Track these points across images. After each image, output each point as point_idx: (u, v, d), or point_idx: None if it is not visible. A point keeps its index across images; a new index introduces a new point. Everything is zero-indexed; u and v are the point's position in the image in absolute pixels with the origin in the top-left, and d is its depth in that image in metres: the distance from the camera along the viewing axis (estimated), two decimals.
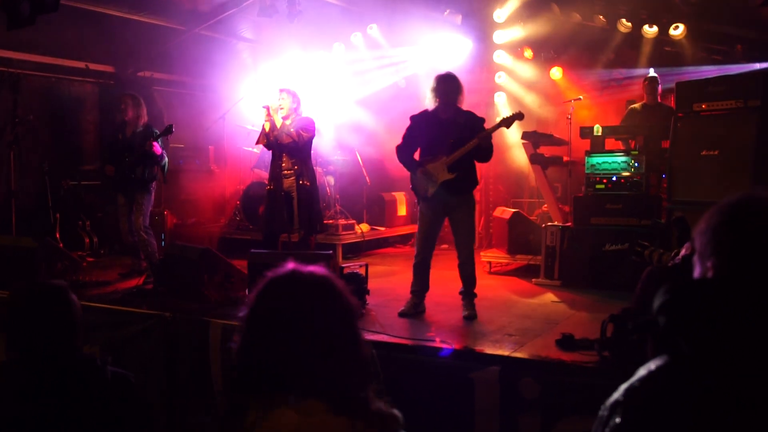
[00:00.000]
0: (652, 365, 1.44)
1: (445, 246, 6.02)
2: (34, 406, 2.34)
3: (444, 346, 4.53)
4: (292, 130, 6.79)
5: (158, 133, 7.46)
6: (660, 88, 8.55)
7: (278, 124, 6.84)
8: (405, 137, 5.91)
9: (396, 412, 1.68)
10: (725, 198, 1.49)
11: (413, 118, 5.93)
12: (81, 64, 10.62)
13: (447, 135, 5.66)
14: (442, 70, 5.84)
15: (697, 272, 1.49)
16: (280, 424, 1.55)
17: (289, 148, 6.85)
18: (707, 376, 1.33)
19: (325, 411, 1.57)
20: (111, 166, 7.64)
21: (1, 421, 2.33)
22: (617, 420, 1.40)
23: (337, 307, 1.69)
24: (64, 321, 2.52)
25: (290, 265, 1.72)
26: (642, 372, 1.45)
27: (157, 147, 7.40)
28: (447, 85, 5.69)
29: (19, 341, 2.48)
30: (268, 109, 6.89)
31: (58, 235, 8.87)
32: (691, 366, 1.36)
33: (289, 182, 6.93)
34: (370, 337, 4.68)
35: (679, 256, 3.93)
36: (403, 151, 5.90)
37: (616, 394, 1.45)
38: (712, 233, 1.46)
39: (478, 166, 5.91)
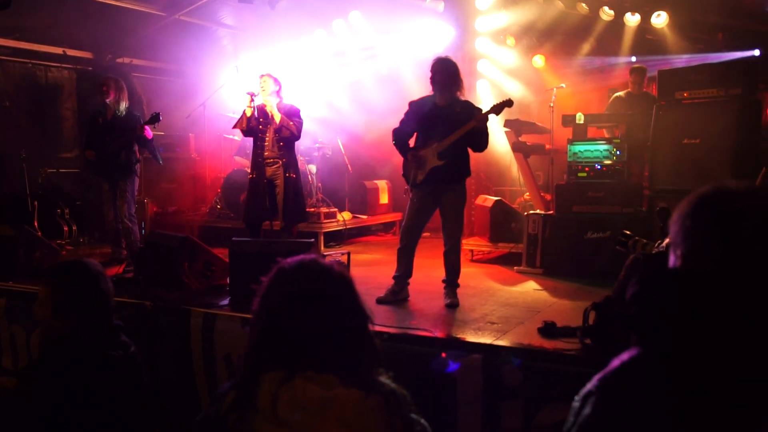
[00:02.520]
0: (625, 356, 1.44)
1: (426, 234, 5.99)
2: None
3: (428, 334, 4.52)
4: (291, 123, 6.79)
5: (145, 120, 7.34)
6: (647, 78, 8.56)
7: (277, 118, 6.81)
8: (402, 121, 5.85)
9: (406, 392, 1.82)
10: (699, 188, 1.50)
11: (412, 103, 5.86)
12: (58, 50, 10.48)
13: (441, 122, 5.59)
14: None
15: (670, 261, 1.50)
16: (305, 395, 1.67)
17: (285, 139, 6.85)
18: (678, 367, 1.33)
19: (340, 384, 1.70)
20: (91, 151, 7.53)
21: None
22: (587, 410, 1.40)
23: (346, 293, 1.85)
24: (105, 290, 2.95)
25: (300, 256, 1.89)
26: (615, 363, 1.45)
27: (149, 131, 7.32)
28: (441, 70, 5.61)
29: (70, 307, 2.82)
30: (252, 95, 6.84)
31: (36, 224, 8.77)
32: (662, 357, 1.36)
33: (271, 170, 6.90)
34: None
35: (663, 244, 3.94)
36: (398, 134, 5.85)
37: (589, 385, 1.45)
38: (682, 222, 1.48)
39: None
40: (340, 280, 1.85)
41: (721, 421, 1.27)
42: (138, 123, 7.38)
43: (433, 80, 5.65)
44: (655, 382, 1.34)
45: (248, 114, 6.84)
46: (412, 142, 5.85)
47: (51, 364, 2.75)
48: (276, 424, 1.65)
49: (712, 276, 1.37)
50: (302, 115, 7.10)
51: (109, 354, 2.75)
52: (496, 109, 5.61)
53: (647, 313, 1.39)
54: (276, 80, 6.95)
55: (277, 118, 6.81)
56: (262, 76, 6.97)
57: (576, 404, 1.45)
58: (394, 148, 5.91)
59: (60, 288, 2.82)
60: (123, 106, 7.53)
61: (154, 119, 7.23)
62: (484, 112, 5.57)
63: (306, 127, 9.74)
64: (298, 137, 6.90)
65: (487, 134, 5.63)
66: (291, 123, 6.80)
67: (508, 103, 5.65)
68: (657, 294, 1.39)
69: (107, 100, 7.52)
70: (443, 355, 4.27)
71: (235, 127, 7.10)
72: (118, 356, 2.78)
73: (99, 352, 2.73)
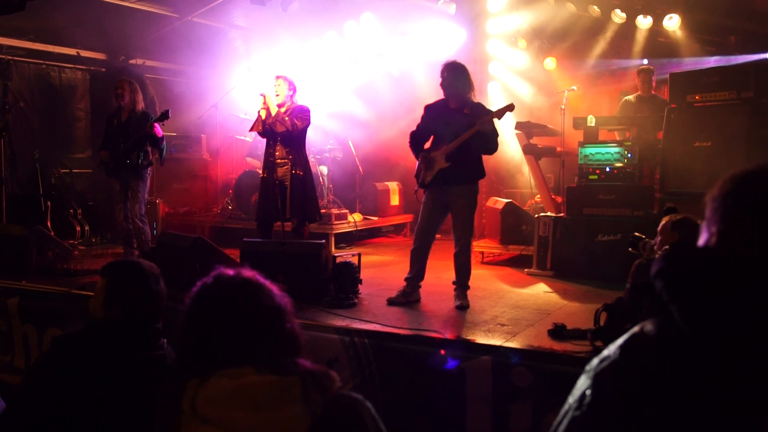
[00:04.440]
0: (637, 328, 1.39)
1: (438, 236, 6.01)
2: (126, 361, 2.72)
3: (438, 336, 4.53)
4: (287, 118, 6.76)
5: (154, 117, 7.35)
6: (654, 79, 8.54)
7: (273, 111, 6.80)
8: (418, 125, 5.98)
9: (333, 372, 1.85)
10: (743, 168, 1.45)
11: (427, 107, 5.99)
12: (72, 51, 10.55)
13: (451, 125, 5.67)
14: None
15: (702, 239, 1.44)
16: (217, 389, 1.75)
17: (283, 137, 6.82)
18: (697, 348, 1.28)
19: (255, 372, 1.77)
20: (105, 152, 7.56)
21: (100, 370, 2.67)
22: (589, 392, 1.39)
23: (259, 303, 1.93)
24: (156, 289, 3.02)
25: (217, 270, 2.01)
26: (625, 338, 1.41)
27: (159, 129, 7.32)
28: (448, 74, 5.70)
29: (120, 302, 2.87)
30: (264, 96, 6.85)
31: (49, 223, 8.83)
32: (680, 336, 1.31)
33: (282, 171, 6.90)
34: (362, 326, 4.68)
35: (658, 253, 3.92)
36: (414, 137, 5.96)
37: (595, 361, 1.43)
38: (722, 200, 1.42)
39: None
40: (251, 292, 1.95)
41: (736, 408, 1.23)
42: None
43: (443, 84, 5.74)
44: (669, 361, 1.31)
45: (263, 116, 6.85)
46: (428, 145, 5.91)
47: (63, 348, 2.81)
48: (199, 422, 1.73)
49: (749, 257, 1.32)
50: (312, 116, 7.06)
51: (143, 355, 2.77)
52: (498, 114, 5.62)
53: (673, 289, 1.34)
54: (291, 84, 6.95)
55: (273, 111, 6.81)
56: (278, 77, 6.98)
57: (582, 382, 1.44)
58: (406, 149, 6.00)
59: (114, 281, 2.91)
60: (138, 107, 7.55)
61: (164, 116, 7.22)
62: (486, 116, 5.59)
63: (317, 127, 9.80)
64: (294, 134, 6.81)
65: (493, 137, 5.64)
66: (286, 119, 6.75)
67: (509, 107, 5.68)
68: (686, 271, 1.34)
69: (122, 103, 7.55)
70: (442, 351, 4.28)
71: (252, 129, 7.11)
72: (150, 358, 2.80)
73: (128, 351, 2.76)
